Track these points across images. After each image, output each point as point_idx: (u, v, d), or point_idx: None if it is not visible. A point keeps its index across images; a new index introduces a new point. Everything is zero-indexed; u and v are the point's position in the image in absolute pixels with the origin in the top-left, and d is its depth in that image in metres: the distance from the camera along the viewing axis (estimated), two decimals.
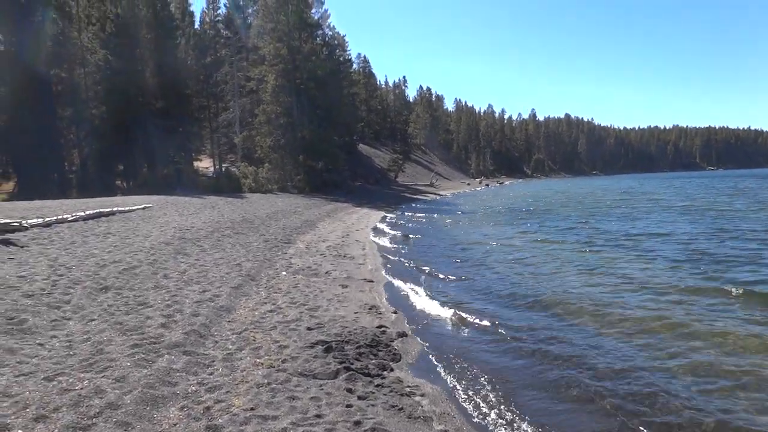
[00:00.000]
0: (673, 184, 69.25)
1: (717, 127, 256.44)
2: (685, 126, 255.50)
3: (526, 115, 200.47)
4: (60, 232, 14.38)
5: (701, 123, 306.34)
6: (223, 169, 46.73)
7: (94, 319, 7.30)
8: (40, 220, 15.43)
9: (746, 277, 11.60)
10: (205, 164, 48.45)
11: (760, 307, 9.05)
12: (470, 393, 6.13)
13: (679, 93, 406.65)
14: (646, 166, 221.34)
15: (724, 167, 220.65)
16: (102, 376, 5.35)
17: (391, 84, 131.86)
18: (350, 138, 63.55)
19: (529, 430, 5.34)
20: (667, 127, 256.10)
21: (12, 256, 10.72)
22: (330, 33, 54.43)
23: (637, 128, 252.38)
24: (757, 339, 7.47)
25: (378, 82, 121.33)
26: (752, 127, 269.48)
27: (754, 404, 5.66)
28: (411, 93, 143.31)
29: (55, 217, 16.37)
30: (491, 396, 6.04)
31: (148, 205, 22.89)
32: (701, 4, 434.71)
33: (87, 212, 18.22)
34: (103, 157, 38.74)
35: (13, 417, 4.44)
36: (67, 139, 39.46)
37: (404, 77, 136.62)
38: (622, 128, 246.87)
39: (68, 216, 16.97)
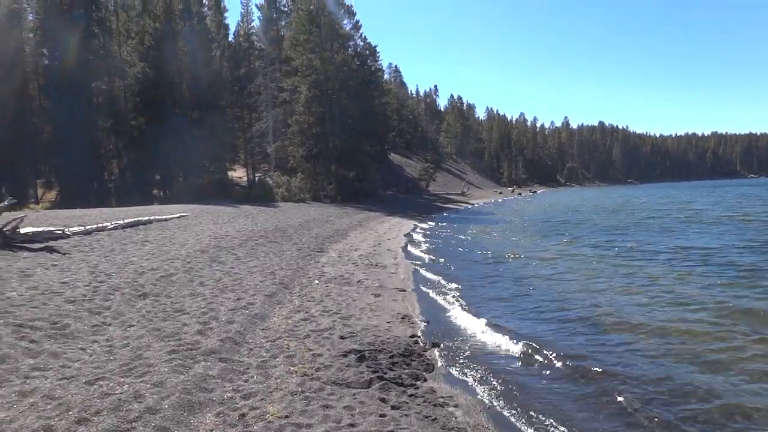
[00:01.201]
0: (714, 194, 66.79)
1: (758, 134, 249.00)
2: (724, 132, 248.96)
3: (558, 123, 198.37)
4: (100, 240, 14.77)
5: (741, 129, 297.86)
6: (257, 178, 47.34)
7: (132, 325, 7.48)
8: (82, 228, 15.88)
9: None
10: (238, 174, 49.17)
11: None
12: (504, 404, 6.06)
13: (718, 99, 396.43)
14: (683, 174, 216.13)
15: (767, 174, 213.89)
16: (141, 381, 5.47)
17: (422, 93, 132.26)
18: (381, 147, 63.72)
19: None
20: (706, 134, 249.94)
21: (55, 263, 11.06)
22: (361, 44, 54.85)
23: (674, 135, 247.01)
24: None
25: (409, 92, 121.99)
26: None
27: None
28: (442, 102, 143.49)
29: (95, 225, 16.83)
30: (526, 409, 5.95)
31: (183, 214, 23.34)
32: (739, 9, 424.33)
33: (125, 221, 18.68)
34: (141, 167, 39.75)
35: (56, 419, 4.57)
36: (106, 150, 40.60)
37: (435, 86, 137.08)
38: (658, 135, 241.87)
39: (108, 224, 17.43)
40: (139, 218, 19.71)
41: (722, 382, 6.54)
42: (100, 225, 17.09)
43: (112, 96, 40.15)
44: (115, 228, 17.36)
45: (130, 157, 40.57)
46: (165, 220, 20.90)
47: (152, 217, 20.53)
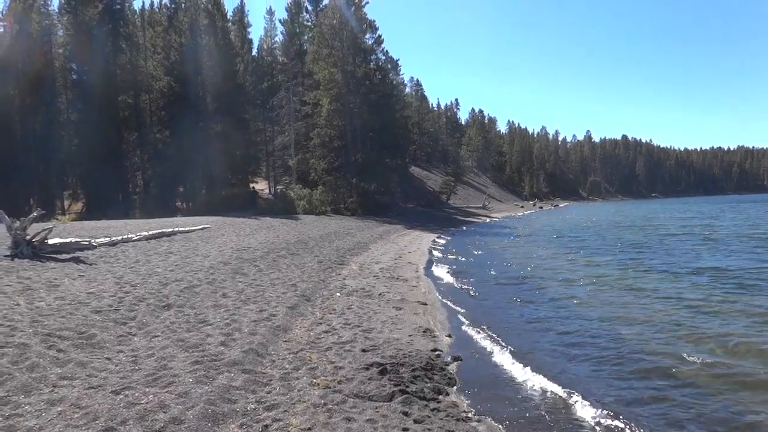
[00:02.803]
0: (743, 210, 65.16)
1: None
2: (751, 147, 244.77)
3: (581, 137, 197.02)
4: (125, 251, 15.01)
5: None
6: (278, 190, 47.77)
7: (157, 336, 7.56)
8: (107, 239, 16.17)
9: None
10: (261, 186, 49.72)
11: None
12: (528, 419, 5.98)
13: (744, 113, 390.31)
14: (709, 188, 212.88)
15: None
16: (166, 391, 5.52)
17: (443, 107, 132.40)
18: (402, 160, 63.87)
19: None
20: (732, 148, 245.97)
21: (82, 274, 11.26)
22: (383, 57, 55.18)
23: (699, 149, 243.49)
24: None
25: (430, 105, 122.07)
26: None
27: None
28: (463, 115, 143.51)
29: (120, 237, 17.11)
30: (547, 425, 5.87)
31: (206, 226, 23.61)
32: (765, 21, 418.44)
33: (150, 232, 18.96)
34: (165, 179, 40.41)
35: (83, 428, 4.64)
36: (131, 162, 41.42)
37: (456, 100, 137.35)
38: (682, 149, 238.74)
39: (133, 235, 17.70)
40: (163, 230, 19.98)
41: None
42: (125, 236, 17.37)
43: (137, 109, 41.04)
44: (140, 239, 17.63)
45: (155, 169, 41.32)
46: (188, 231, 21.16)
47: (176, 229, 20.80)
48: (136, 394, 5.39)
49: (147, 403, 5.20)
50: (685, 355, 7.91)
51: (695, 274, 15.84)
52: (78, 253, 13.51)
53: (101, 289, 9.86)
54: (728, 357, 7.89)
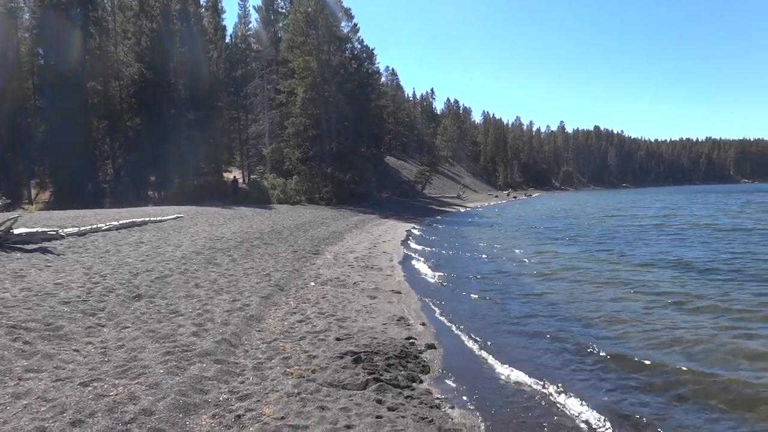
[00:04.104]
0: (710, 200, 66.50)
1: (752, 139, 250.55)
2: (718, 138, 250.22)
3: (554, 127, 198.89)
4: (95, 241, 14.72)
5: (735, 135, 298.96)
6: (252, 180, 47.32)
7: (127, 327, 7.44)
8: (76, 229, 15.82)
9: None
10: (234, 175, 49.12)
11: None
12: (499, 404, 6.04)
13: (712, 104, 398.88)
14: (677, 179, 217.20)
15: (760, 180, 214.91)
16: (136, 383, 5.43)
17: (418, 96, 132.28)
18: (378, 150, 63.75)
19: None
20: (700, 139, 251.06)
21: (49, 264, 11.01)
22: (359, 46, 54.76)
23: (668, 140, 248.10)
24: None
25: (405, 95, 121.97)
26: None
27: None
28: (438, 105, 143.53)
29: (89, 227, 16.77)
30: (519, 411, 5.94)
31: (179, 215, 23.28)
32: (733, 14, 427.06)
33: (120, 222, 18.62)
34: (136, 168, 39.63)
35: (50, 421, 4.53)
36: (101, 150, 40.50)
37: (432, 89, 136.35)
38: (653, 140, 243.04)
39: (102, 225, 17.36)
40: (134, 219, 19.64)
41: None
42: (95, 226, 17.02)
43: (107, 96, 40.09)
44: (110, 229, 17.30)
45: (125, 157, 40.48)
46: (160, 221, 20.84)
47: (147, 219, 20.46)
48: (105, 386, 5.29)
49: (116, 394, 5.11)
50: (638, 333, 8.10)
51: (657, 264, 16.25)
52: (45, 244, 13.18)
53: (69, 279, 9.65)
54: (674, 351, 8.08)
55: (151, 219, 20.69)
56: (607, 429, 5.49)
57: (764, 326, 8.78)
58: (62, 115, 34.80)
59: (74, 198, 32.06)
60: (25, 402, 4.88)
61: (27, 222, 16.54)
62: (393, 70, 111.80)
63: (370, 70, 58.36)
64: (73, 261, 11.64)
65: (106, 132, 40.42)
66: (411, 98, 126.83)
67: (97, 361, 6.03)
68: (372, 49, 57.59)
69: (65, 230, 15.26)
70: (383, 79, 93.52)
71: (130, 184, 39.37)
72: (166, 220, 21.32)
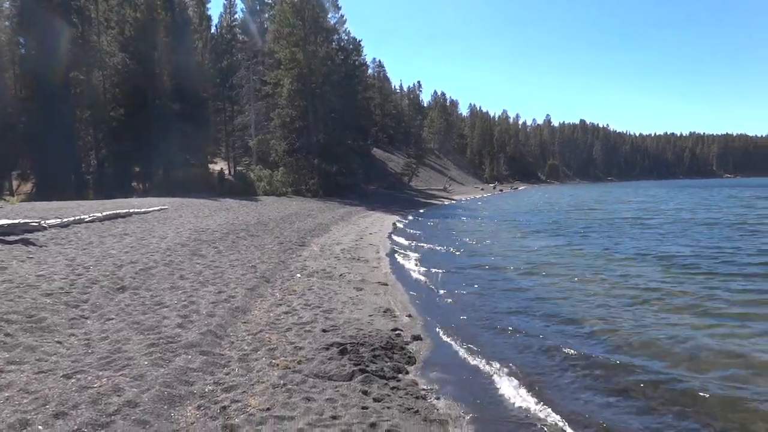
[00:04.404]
0: (696, 194, 67.13)
1: (735, 134, 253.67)
2: (702, 133, 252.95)
3: (540, 121, 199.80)
4: (78, 233, 14.56)
5: (719, 130, 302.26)
6: (238, 171, 47.01)
7: (111, 318, 7.37)
8: (58, 221, 15.64)
9: None
10: (220, 167, 48.78)
11: None
12: (484, 396, 6.08)
13: (696, 99, 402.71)
14: (662, 173, 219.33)
15: (742, 175, 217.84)
16: (120, 375, 5.39)
17: (405, 89, 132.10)
18: (364, 142, 63.61)
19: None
20: (684, 134, 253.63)
21: (31, 256, 10.87)
22: (346, 37, 54.57)
23: (653, 135, 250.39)
24: None
25: (392, 87, 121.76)
26: None
27: None
28: (425, 98, 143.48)
29: (72, 218, 16.58)
30: (504, 403, 5.98)
31: (163, 207, 23.10)
32: (717, 12, 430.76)
33: (104, 213, 18.43)
34: (120, 159, 39.19)
35: (33, 413, 4.49)
36: (84, 141, 39.95)
37: (419, 82, 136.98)
38: (638, 134, 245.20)
39: (86, 216, 17.17)
40: (118, 211, 19.46)
41: None
42: (78, 217, 16.83)
43: (90, 86, 39.48)
44: (93, 221, 17.11)
45: (109, 148, 39.97)
46: (144, 213, 20.66)
47: (131, 210, 20.27)
48: (89, 378, 5.25)
49: (100, 386, 5.07)
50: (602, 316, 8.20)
51: (642, 257, 16.44)
52: (27, 235, 13.00)
53: (52, 271, 9.53)
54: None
55: (136, 210, 20.50)
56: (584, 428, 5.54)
57: (739, 323, 8.92)
58: (44, 106, 34.28)
59: (57, 189, 31.63)
60: (6, 394, 4.82)
61: (8, 213, 16.33)
62: (380, 62, 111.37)
63: (357, 62, 58.21)
64: (56, 252, 11.51)
65: (89, 122, 39.85)
66: (398, 90, 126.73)
67: (80, 353, 5.97)
68: (359, 41, 57.46)
69: (48, 221, 15.07)
70: (370, 70, 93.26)
71: (114, 176, 38.91)
72: (150, 212, 21.14)
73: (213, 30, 52.37)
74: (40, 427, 4.28)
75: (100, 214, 18.01)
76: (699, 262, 14.49)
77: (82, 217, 17.07)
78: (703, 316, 9.10)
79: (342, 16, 51.02)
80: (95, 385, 5.09)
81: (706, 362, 6.99)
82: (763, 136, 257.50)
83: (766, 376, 6.49)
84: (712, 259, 15.05)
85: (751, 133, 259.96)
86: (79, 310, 7.62)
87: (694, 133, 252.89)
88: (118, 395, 4.92)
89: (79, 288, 8.60)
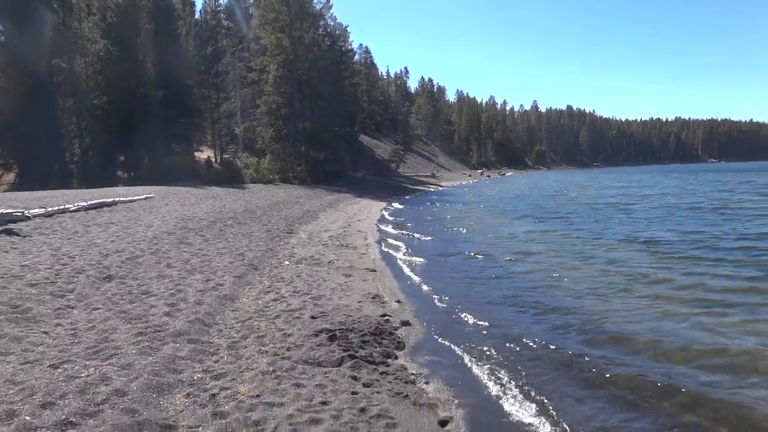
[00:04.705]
0: (682, 179, 67.46)
1: (719, 120, 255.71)
2: (687, 118, 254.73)
3: (528, 107, 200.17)
4: (62, 222, 14.39)
5: (704, 115, 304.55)
6: (224, 159, 46.66)
7: (98, 308, 7.31)
8: (42, 210, 15.43)
9: None
10: (206, 155, 48.37)
11: None
12: (473, 381, 6.12)
13: (682, 85, 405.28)
14: (647, 158, 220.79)
15: (726, 160, 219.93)
16: (108, 364, 5.36)
17: (392, 75, 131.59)
18: (352, 129, 63.34)
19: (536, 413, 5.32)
20: (670, 119, 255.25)
21: (15, 246, 10.74)
22: (332, 23, 54.11)
23: (639, 120, 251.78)
24: None
25: (380, 73, 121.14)
26: (755, 120, 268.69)
27: None
28: (413, 84, 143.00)
29: (57, 207, 16.37)
30: (493, 386, 6.03)
31: (149, 196, 22.89)
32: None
33: (89, 202, 18.22)
34: (105, 148, 38.66)
35: (20, 404, 4.44)
36: (67, 130, 39.34)
37: (406, 68, 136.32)
38: (624, 120, 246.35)
39: (70, 206, 16.97)
40: (103, 200, 19.24)
41: None
42: (62, 207, 16.62)
43: (73, 74, 38.84)
44: (78, 210, 16.91)
45: (93, 137, 39.39)
46: (130, 201, 20.46)
47: (117, 199, 20.06)
48: (76, 368, 5.21)
49: (87, 376, 5.04)
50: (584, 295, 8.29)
51: (626, 241, 16.57)
52: (10, 225, 12.82)
53: (36, 261, 9.42)
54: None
55: (121, 199, 20.29)
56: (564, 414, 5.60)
57: (721, 309, 9.04)
58: (26, 94, 33.69)
59: (40, 179, 31.19)
60: None
61: None
62: (367, 48, 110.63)
63: (343, 48, 57.79)
64: (40, 242, 11.37)
65: (72, 111, 39.23)
66: (385, 77, 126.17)
67: (67, 343, 5.92)
68: (345, 27, 57.03)
69: (31, 211, 14.87)
70: (357, 56, 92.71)
71: (99, 165, 38.39)
72: (136, 201, 20.94)
73: (197, 16, 51.77)
74: (27, 417, 4.24)
75: (84, 204, 17.80)
76: (683, 248, 14.58)
77: (66, 206, 16.87)
78: (688, 303, 9.19)
79: (328, 1, 50.56)
80: (83, 375, 5.06)
81: (687, 351, 6.96)
82: (747, 121, 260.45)
83: (748, 366, 6.49)
84: (694, 243, 15.17)
85: (735, 118, 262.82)
86: (65, 299, 7.55)
87: (680, 118, 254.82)
88: (106, 384, 4.89)
89: (65, 278, 8.51)
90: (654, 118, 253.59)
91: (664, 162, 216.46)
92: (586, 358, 6.67)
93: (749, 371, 6.21)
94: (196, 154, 46.60)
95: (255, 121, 46.86)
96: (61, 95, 38.07)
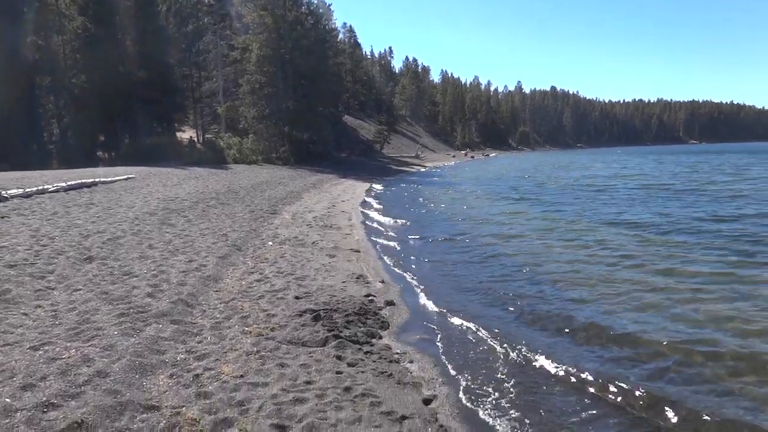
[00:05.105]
0: (663, 161, 68.08)
1: (701, 101, 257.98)
2: (669, 99, 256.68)
3: (512, 87, 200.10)
4: (41, 203, 14.17)
5: (686, 96, 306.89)
6: (207, 139, 46.11)
7: (79, 289, 7.22)
8: (21, 191, 15.18)
9: None
10: (188, 135, 47.74)
11: None
12: (457, 359, 6.17)
13: (665, 66, 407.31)
14: (630, 139, 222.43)
15: (707, 141, 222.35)
16: (89, 345, 5.31)
17: (376, 54, 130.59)
18: (335, 109, 62.83)
19: (513, 414, 5.38)
20: (652, 101, 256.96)
21: None
22: (315, 1, 53.30)
23: (622, 101, 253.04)
24: None
25: (363, 53, 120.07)
26: (735, 101, 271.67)
27: None
28: (397, 64, 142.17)
29: (35, 188, 16.12)
30: (476, 364, 6.08)
31: (130, 176, 22.60)
32: None
33: (68, 183, 17.95)
34: (84, 128, 37.97)
35: None
36: (46, 109, 38.56)
37: (390, 48, 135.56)
38: (607, 101, 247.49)
39: (49, 187, 16.71)
40: (83, 180, 18.96)
41: None
42: (41, 187, 16.36)
43: (50, 52, 37.94)
44: (57, 190, 16.66)
45: (72, 117, 38.65)
46: (111, 182, 20.18)
47: (97, 180, 19.78)
48: (57, 349, 5.15)
49: (69, 357, 4.99)
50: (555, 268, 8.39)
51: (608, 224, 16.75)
52: None
53: (15, 242, 9.27)
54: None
55: (102, 180, 20.00)
56: (532, 371, 5.70)
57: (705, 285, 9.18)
58: (1, 73, 32.88)
59: (18, 159, 30.57)
60: None
61: None
62: (351, 27, 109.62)
63: (327, 27, 57.03)
64: (19, 223, 11.18)
65: (49, 90, 38.41)
66: (369, 56, 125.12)
67: (47, 325, 5.84)
68: (329, 5, 56.24)
69: (9, 192, 14.62)
70: (341, 36, 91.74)
71: (78, 145, 37.73)
72: (117, 181, 20.66)
73: None
74: (7, 399, 4.19)
75: (64, 184, 17.53)
76: (665, 229, 14.72)
77: (45, 187, 16.60)
78: (667, 289, 9.33)
79: None
80: (64, 356, 5.01)
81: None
82: (728, 102, 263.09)
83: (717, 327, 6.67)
84: (672, 225, 15.32)
85: (716, 100, 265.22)
86: (45, 281, 7.45)
87: (662, 99, 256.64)
88: (88, 366, 4.84)
89: (44, 259, 8.40)
90: (637, 100, 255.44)
91: (645, 143, 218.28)
92: (565, 335, 6.78)
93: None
94: (178, 134, 45.99)
95: (238, 100, 46.27)
96: (38, 74, 37.23)
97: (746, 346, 6.25)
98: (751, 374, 5.62)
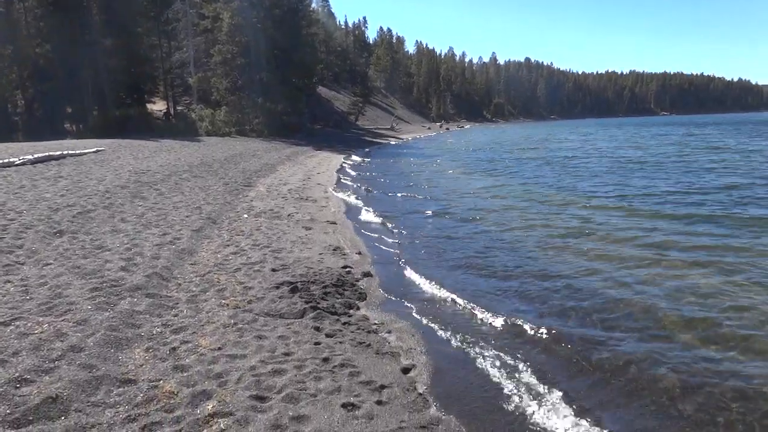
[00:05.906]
0: (639, 134, 68.84)
1: (671, 73, 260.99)
2: (641, 71, 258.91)
3: (486, 59, 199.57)
4: (7, 176, 13.80)
5: (657, 68, 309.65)
6: (175, 110, 45.15)
7: (50, 264, 7.08)
8: None
9: None
10: (158, 107, 46.65)
11: None
12: (435, 329, 6.22)
13: (637, 37, 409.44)
14: (602, 111, 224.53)
15: (677, 113, 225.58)
16: (62, 320, 5.22)
17: (350, 25, 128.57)
18: (309, 80, 61.84)
19: (496, 362, 5.46)
20: (625, 72, 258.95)
21: None
22: None
23: (595, 73, 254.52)
24: None
25: (337, 23, 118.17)
26: (705, 73, 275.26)
27: None
28: (371, 35, 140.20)
29: (0, 161, 15.65)
30: (454, 332, 6.14)
31: (100, 149, 22.09)
32: None
33: (35, 155, 17.48)
34: (50, 99, 36.86)
35: None
36: (9, 80, 37.24)
37: (364, 18, 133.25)
38: (580, 72, 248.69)
39: (15, 159, 16.27)
40: (51, 153, 18.48)
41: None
42: (6, 160, 15.91)
43: (11, 20, 36.51)
44: (24, 164, 16.23)
45: (37, 88, 37.44)
46: (80, 155, 19.71)
47: (65, 152, 19.29)
48: (29, 324, 5.06)
49: (41, 332, 4.90)
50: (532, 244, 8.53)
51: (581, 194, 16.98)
52: None
53: None
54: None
55: (70, 152, 19.51)
56: (512, 337, 5.80)
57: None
58: None
59: None
60: None
61: None
62: None
63: None
64: None
65: (12, 59, 37.03)
66: (343, 27, 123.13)
67: (18, 300, 5.72)
68: None
69: None
70: (314, 5, 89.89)
71: (45, 117, 36.69)
72: (86, 154, 20.17)
73: None
74: None
75: (31, 157, 17.06)
76: (645, 201, 15.01)
77: (11, 160, 16.15)
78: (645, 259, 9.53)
79: None
80: (36, 332, 4.92)
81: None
82: (698, 74, 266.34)
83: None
84: (649, 196, 15.63)
85: (687, 72, 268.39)
86: (13, 255, 7.28)
87: (634, 71, 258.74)
88: (62, 341, 4.77)
89: (12, 233, 8.20)
90: (610, 71, 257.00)
91: (618, 115, 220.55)
92: (545, 303, 6.89)
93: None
94: (149, 106, 44.88)
95: (209, 71, 45.29)
96: None
97: (677, 300, 6.45)
98: (675, 321, 5.80)
